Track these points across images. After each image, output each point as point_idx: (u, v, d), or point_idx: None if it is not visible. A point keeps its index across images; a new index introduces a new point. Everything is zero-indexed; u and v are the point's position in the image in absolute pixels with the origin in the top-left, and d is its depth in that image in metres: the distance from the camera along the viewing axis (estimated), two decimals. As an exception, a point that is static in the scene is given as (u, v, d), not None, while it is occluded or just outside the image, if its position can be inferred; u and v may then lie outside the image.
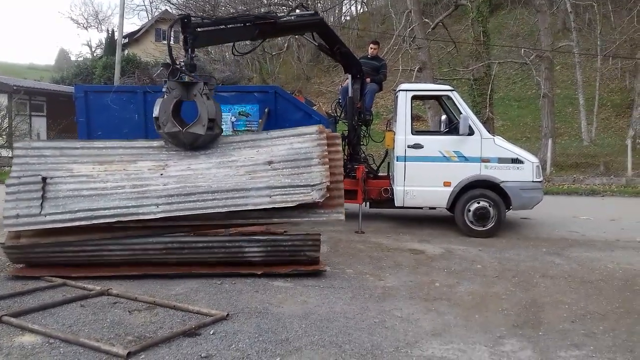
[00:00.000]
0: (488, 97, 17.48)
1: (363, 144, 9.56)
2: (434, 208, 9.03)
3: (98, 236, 5.80)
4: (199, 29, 6.91)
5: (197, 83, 6.39)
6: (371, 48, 10.37)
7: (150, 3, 42.87)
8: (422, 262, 6.75)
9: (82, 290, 5.30)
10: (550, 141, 17.31)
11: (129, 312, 4.76)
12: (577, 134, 22.86)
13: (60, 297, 5.10)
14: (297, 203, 5.68)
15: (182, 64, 6.53)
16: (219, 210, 5.66)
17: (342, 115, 9.78)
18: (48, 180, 5.78)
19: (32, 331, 4.21)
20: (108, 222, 5.63)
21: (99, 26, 49.12)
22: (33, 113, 22.97)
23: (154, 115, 6.37)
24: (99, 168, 6.08)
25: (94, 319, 4.57)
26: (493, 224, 8.25)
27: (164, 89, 6.49)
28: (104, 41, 42.84)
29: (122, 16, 21.30)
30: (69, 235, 5.76)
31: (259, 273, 5.82)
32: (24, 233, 5.81)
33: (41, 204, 5.62)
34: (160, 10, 39.10)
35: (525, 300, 5.30)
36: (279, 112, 8.58)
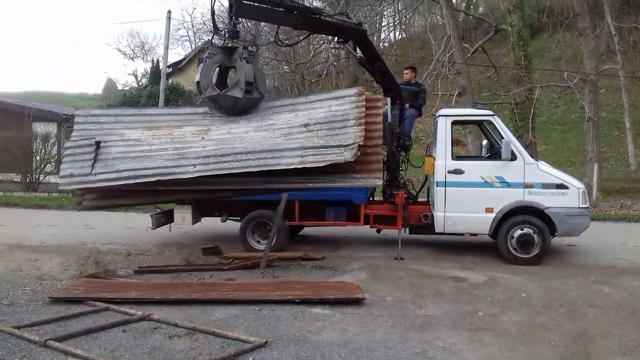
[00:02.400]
0: (530, 121, 17.14)
1: (402, 170, 9.49)
2: (476, 234, 8.85)
3: (149, 200, 6.15)
4: (244, 0, 6.92)
5: (237, 48, 6.45)
6: (405, 73, 10.35)
7: (194, 34, 44.26)
8: (464, 290, 6.59)
9: (124, 315, 5.37)
10: (596, 166, 16.81)
11: (169, 337, 4.79)
12: (624, 158, 22.17)
13: (103, 322, 5.17)
14: (328, 163, 5.63)
15: (225, 30, 6.61)
16: (251, 170, 5.72)
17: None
18: (102, 144, 6.08)
19: (75, 356, 4.28)
20: (149, 181, 5.81)
21: (145, 56, 50.58)
22: (81, 141, 23.70)
23: (195, 80, 6.52)
24: (147, 133, 6.37)
25: (135, 344, 4.62)
26: (538, 251, 8.01)
27: (206, 55, 6.60)
28: (149, 70, 44.15)
29: (167, 47, 22.01)
30: (123, 199, 6.27)
31: (297, 301, 5.78)
32: (87, 197, 6.22)
33: (92, 164, 5.97)
34: (203, 41, 40.19)
35: (573, 331, 5.11)
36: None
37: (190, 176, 5.79)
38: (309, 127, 6.07)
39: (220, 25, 6.59)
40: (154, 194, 6.18)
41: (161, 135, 6.31)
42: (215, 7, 6.70)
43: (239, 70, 6.40)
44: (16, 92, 46.37)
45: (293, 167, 5.71)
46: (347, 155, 5.62)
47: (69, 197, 16.90)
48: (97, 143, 6.10)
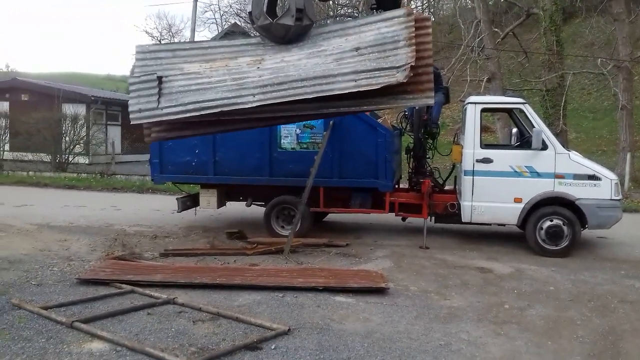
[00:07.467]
0: (561, 108, 16.77)
1: (429, 157, 9.36)
2: (503, 225, 8.70)
3: (210, 130, 6.75)
4: None
5: None
6: None
7: (221, 16, 44.28)
8: (490, 282, 6.49)
9: (149, 298, 5.42)
10: (628, 155, 16.39)
11: (193, 322, 4.82)
12: (659, 148, 21.53)
13: (129, 305, 5.23)
14: (382, 85, 5.70)
15: None
16: (307, 97, 5.86)
17: (408, 127, 9.62)
18: (163, 79, 6.37)
19: (100, 338, 4.34)
20: (213, 113, 6.08)
21: (172, 39, 50.73)
22: (109, 122, 24.05)
23: (248, 10, 6.61)
24: (205, 66, 6.64)
25: (159, 328, 4.65)
26: (567, 243, 7.84)
27: None
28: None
29: (193, 30, 22.04)
30: (187, 130, 6.69)
31: (320, 288, 5.76)
32: (154, 129, 6.65)
33: (158, 99, 6.24)
34: (229, 23, 40.13)
35: (602, 327, 4.99)
36: (344, 124, 8.52)
37: (251, 105, 5.99)
38: (360, 50, 6.14)
39: None
40: (216, 124, 6.56)
41: (218, 67, 6.58)
42: None
43: None
44: (46, 72, 47.14)
45: (347, 91, 5.76)
46: (399, 77, 5.63)
47: (97, 178, 17.17)
48: (159, 78, 6.26)
